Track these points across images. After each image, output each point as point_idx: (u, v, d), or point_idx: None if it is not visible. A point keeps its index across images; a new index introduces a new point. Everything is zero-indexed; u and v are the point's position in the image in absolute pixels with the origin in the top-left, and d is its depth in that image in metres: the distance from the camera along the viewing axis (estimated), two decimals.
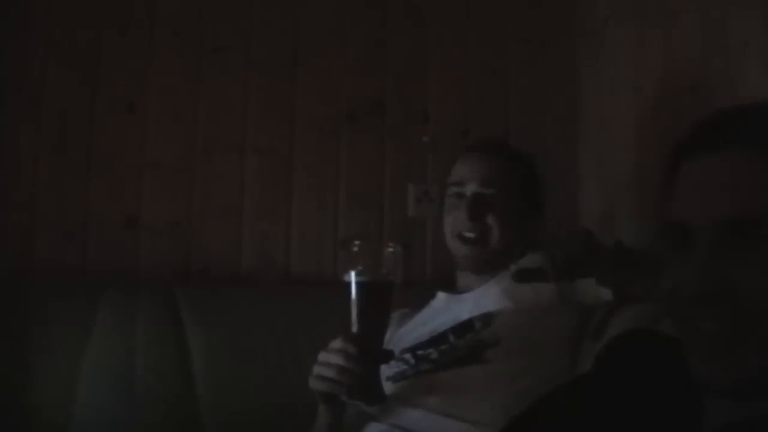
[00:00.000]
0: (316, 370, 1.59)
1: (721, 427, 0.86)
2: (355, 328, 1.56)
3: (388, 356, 1.63)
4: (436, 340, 1.84)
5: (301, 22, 2.54)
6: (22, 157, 2.29)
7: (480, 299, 1.91)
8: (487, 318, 1.84)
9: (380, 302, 1.58)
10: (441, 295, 2.03)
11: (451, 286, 2.06)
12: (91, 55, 2.37)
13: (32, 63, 2.32)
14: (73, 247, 2.31)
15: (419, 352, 1.83)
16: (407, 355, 1.83)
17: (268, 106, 2.49)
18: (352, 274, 1.55)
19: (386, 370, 1.75)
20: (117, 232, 2.35)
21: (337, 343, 1.57)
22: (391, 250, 1.60)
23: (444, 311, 1.95)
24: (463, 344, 1.80)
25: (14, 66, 2.30)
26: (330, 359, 1.56)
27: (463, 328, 1.84)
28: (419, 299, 2.06)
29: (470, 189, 1.98)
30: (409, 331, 1.95)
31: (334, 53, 2.55)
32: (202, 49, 2.45)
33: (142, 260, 2.36)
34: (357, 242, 1.59)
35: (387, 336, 1.84)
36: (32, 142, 2.30)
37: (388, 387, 1.71)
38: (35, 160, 2.30)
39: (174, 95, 2.42)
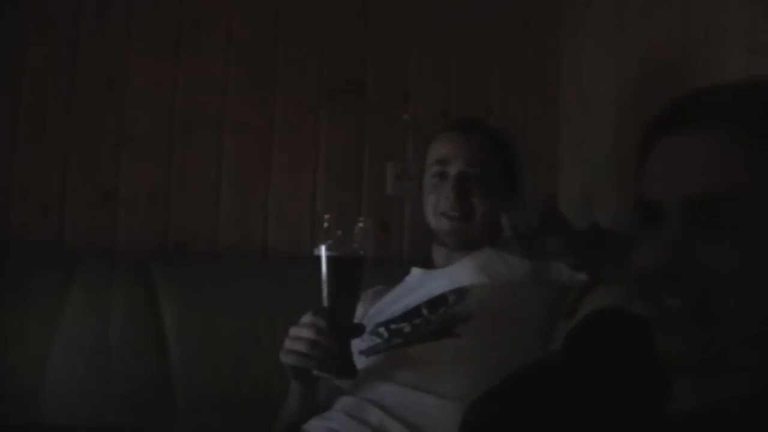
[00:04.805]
0: (287, 344, 1.58)
1: (690, 408, 0.86)
2: (325, 302, 1.56)
3: (358, 330, 1.63)
4: (410, 314, 1.85)
5: None
6: None
7: (454, 274, 1.91)
8: (460, 293, 1.84)
9: (350, 276, 1.58)
10: (416, 271, 2.03)
11: (427, 264, 2.06)
12: (69, 30, 2.35)
13: (10, 37, 2.30)
14: (49, 220, 2.30)
15: (392, 326, 1.83)
16: (381, 329, 1.84)
17: (248, 83, 2.48)
18: (322, 248, 1.55)
19: (359, 344, 1.76)
20: (94, 207, 2.34)
21: (307, 317, 1.57)
22: (361, 225, 1.58)
23: (418, 287, 1.95)
24: (436, 318, 1.80)
25: None
26: (300, 333, 1.56)
27: (437, 302, 1.85)
28: (395, 276, 2.06)
29: (455, 168, 1.96)
30: (384, 306, 1.95)
31: (314, 30, 2.54)
32: (182, 25, 2.44)
33: (118, 235, 2.35)
34: (327, 216, 1.58)
35: (361, 312, 1.85)
36: (10, 115, 2.28)
37: (360, 361, 1.71)
38: (12, 132, 2.28)
39: (153, 70, 2.40)
